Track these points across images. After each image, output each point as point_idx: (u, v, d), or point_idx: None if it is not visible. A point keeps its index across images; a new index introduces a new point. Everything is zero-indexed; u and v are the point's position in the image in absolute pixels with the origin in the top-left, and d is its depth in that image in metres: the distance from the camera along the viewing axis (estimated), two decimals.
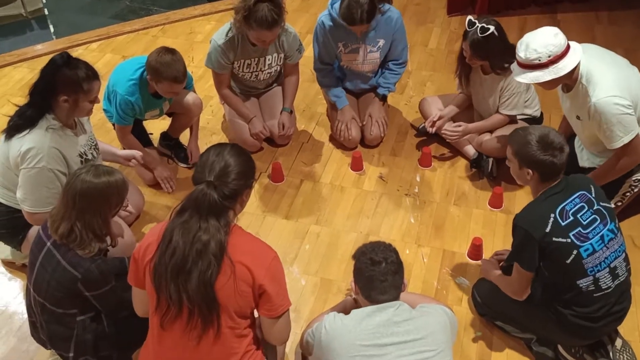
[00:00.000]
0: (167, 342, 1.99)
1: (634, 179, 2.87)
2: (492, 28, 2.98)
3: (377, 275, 2.08)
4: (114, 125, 3.27)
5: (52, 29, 5.25)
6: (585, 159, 2.99)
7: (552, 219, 2.21)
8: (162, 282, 1.92)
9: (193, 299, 1.90)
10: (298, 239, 3.12)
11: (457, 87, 3.48)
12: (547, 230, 2.20)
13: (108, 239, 2.26)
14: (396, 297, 2.11)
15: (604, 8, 5.01)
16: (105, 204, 2.19)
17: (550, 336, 2.49)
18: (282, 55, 3.43)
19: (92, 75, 2.50)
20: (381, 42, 3.42)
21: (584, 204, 2.25)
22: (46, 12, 5.45)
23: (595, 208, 2.27)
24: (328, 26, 3.36)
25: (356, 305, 2.44)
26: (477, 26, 2.99)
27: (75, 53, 4.55)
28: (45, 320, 2.25)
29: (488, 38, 2.98)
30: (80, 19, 5.42)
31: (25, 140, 2.47)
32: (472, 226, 3.17)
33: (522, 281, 2.34)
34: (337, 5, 3.24)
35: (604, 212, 2.29)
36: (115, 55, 4.56)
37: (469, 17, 3.06)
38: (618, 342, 2.44)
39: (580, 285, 2.24)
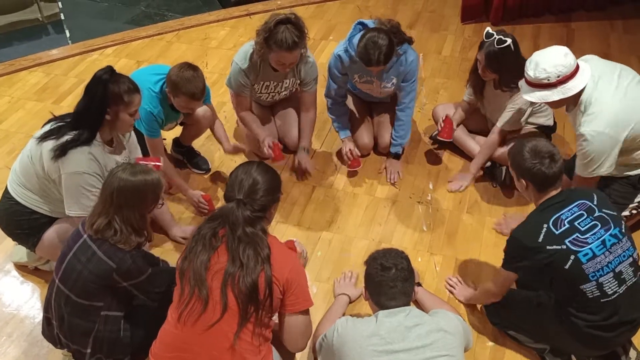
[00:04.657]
0: (189, 337, 2.06)
1: None
2: (509, 41, 3.01)
3: (387, 281, 2.12)
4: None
5: (67, 34, 5.30)
6: None
7: (544, 229, 2.24)
8: (188, 281, 2.07)
9: (238, 299, 2.04)
10: (310, 246, 3.12)
11: (465, 95, 3.51)
12: (540, 240, 2.23)
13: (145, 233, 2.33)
14: (406, 304, 2.12)
15: (619, 17, 4.98)
16: (141, 202, 2.25)
17: (563, 346, 2.47)
18: (298, 81, 3.43)
19: (134, 88, 2.55)
20: (395, 80, 3.35)
21: (583, 212, 2.26)
22: (62, 17, 5.50)
23: (596, 215, 2.27)
24: (345, 61, 3.30)
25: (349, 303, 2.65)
26: (495, 38, 3.01)
27: (91, 58, 4.59)
28: (67, 313, 2.28)
29: (504, 50, 3.01)
30: (95, 24, 5.47)
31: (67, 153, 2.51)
32: (485, 234, 3.15)
33: (504, 282, 2.44)
34: (355, 41, 3.15)
35: (607, 218, 2.28)
36: (130, 60, 4.58)
37: (487, 28, 3.08)
38: (632, 354, 2.43)
39: (585, 289, 2.23)
